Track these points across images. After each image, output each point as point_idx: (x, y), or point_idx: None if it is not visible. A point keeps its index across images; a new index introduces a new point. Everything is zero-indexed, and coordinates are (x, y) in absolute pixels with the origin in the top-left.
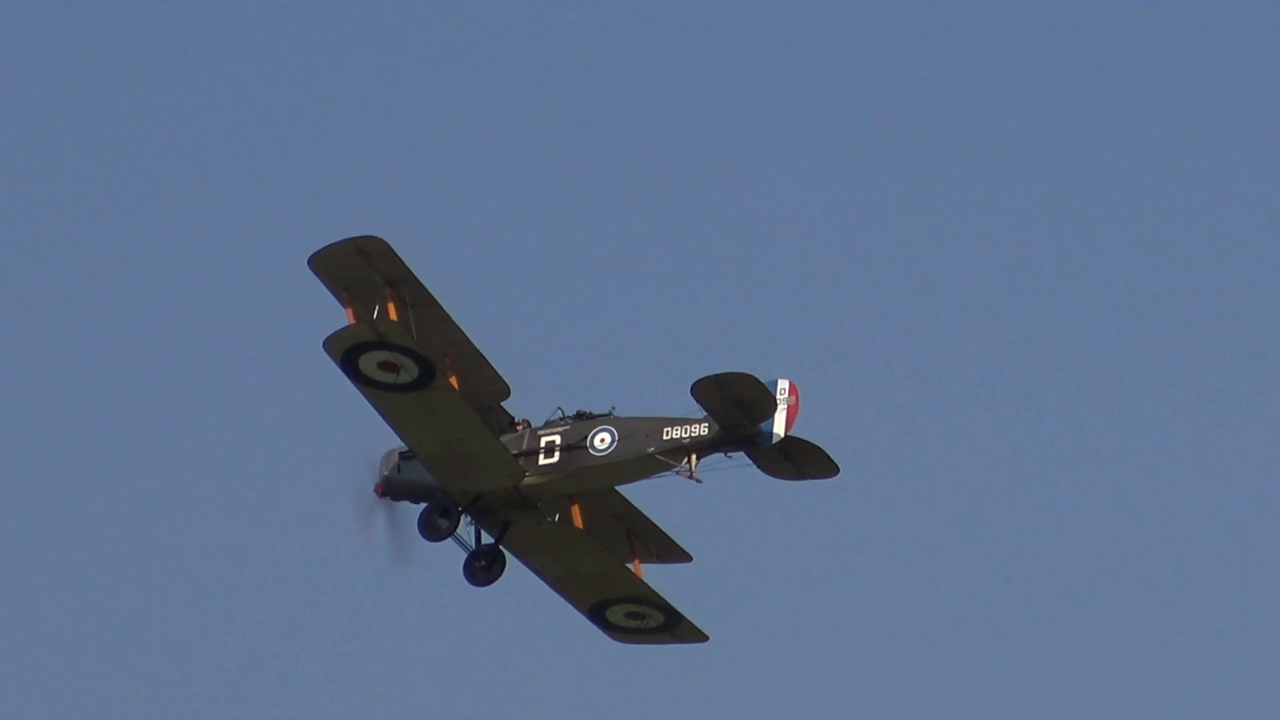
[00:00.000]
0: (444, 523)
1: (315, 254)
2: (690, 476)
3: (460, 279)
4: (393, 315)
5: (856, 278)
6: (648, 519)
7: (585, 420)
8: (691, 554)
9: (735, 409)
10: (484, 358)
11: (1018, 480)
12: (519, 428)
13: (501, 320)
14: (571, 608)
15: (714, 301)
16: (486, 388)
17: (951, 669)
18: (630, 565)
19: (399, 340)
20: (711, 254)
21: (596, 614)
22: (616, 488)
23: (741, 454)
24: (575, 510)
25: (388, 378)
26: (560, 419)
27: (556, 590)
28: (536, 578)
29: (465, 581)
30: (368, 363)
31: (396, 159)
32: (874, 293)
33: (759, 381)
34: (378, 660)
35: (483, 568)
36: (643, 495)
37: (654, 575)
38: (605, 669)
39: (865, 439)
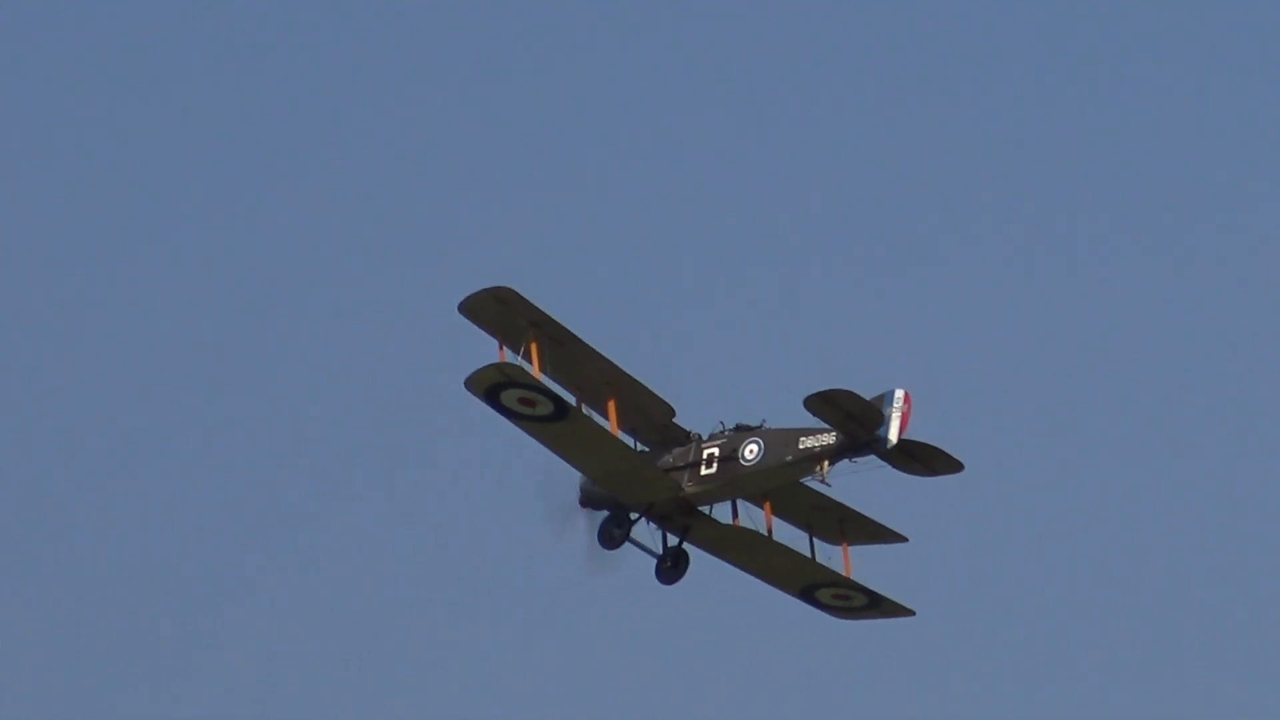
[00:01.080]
0: (617, 532)
1: (462, 302)
2: (823, 480)
3: (608, 316)
4: (534, 355)
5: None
6: (853, 510)
7: (742, 432)
8: (907, 536)
9: (848, 420)
10: (641, 384)
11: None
12: (691, 441)
13: (660, 348)
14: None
15: (847, 311)
16: (651, 409)
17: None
18: (840, 549)
19: (524, 379)
20: (827, 271)
21: (808, 595)
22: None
23: (872, 458)
24: (766, 508)
25: (528, 410)
26: (721, 432)
27: (765, 581)
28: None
29: (657, 581)
30: (509, 398)
31: (530, 207)
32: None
33: (857, 395)
34: (591, 654)
35: (668, 568)
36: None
37: (870, 555)
38: (828, 644)
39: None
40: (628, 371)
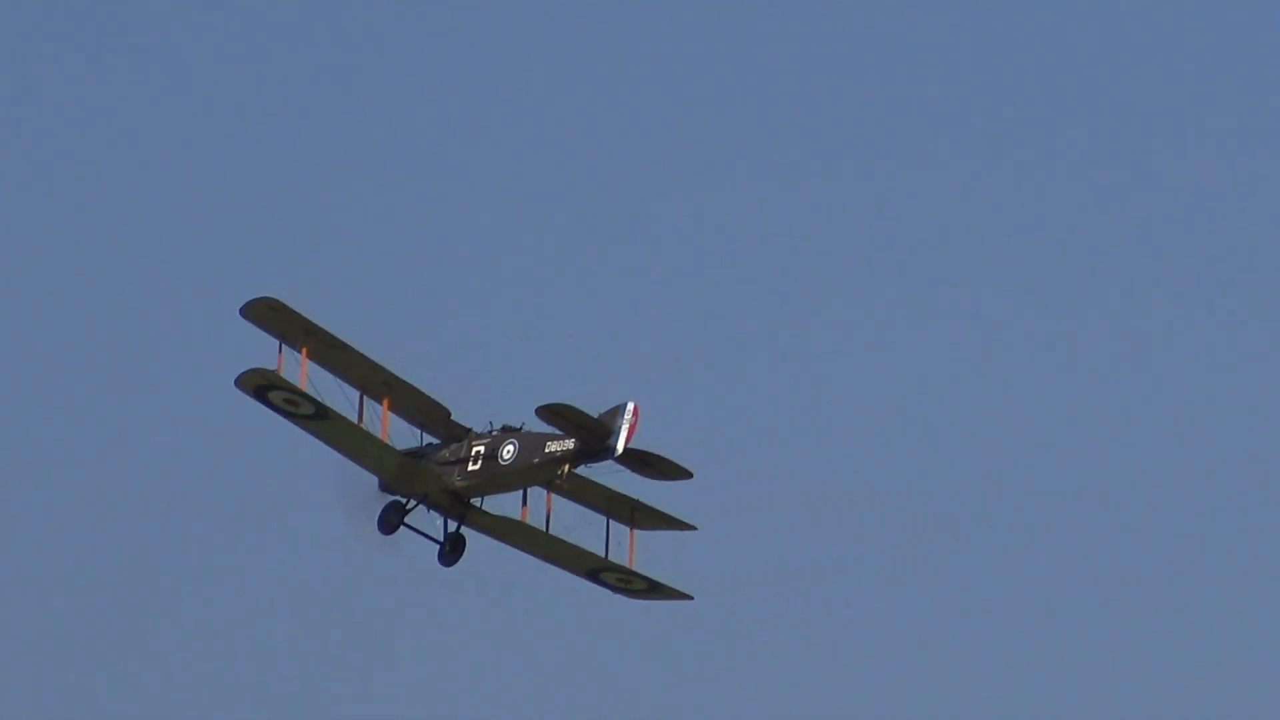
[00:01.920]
0: (394, 519)
1: (241, 308)
2: (560, 483)
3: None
4: (303, 358)
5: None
6: (644, 502)
7: (506, 433)
8: (696, 525)
9: (579, 430)
10: (413, 386)
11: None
12: (465, 438)
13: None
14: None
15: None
16: (426, 409)
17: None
18: (628, 533)
19: (281, 383)
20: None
21: (593, 577)
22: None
23: (610, 463)
24: (548, 498)
25: (293, 409)
26: (489, 431)
27: (553, 564)
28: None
29: (439, 564)
30: (276, 398)
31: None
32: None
33: (579, 409)
34: (376, 634)
35: (447, 552)
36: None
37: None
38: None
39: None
40: (398, 374)
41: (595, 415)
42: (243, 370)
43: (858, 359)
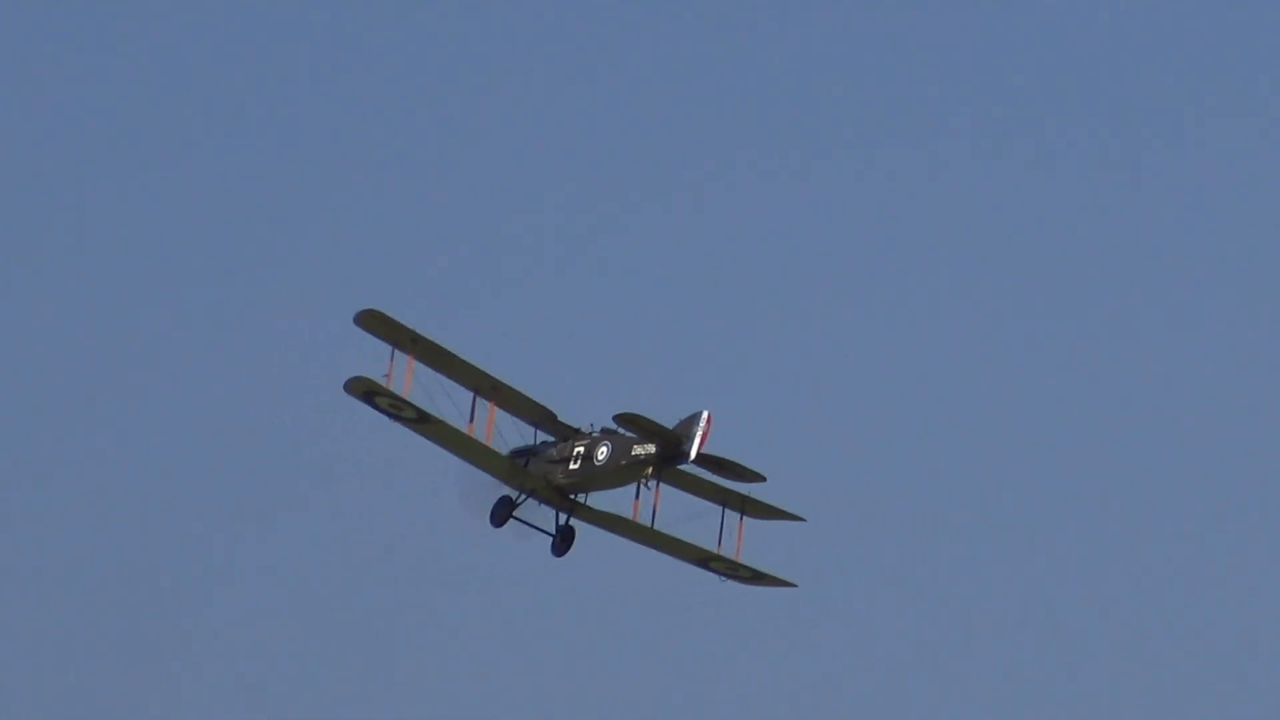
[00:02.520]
0: (502, 512)
1: (354, 317)
2: (644, 484)
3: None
4: (409, 365)
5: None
6: (756, 498)
7: (604, 435)
8: (804, 517)
9: (655, 436)
10: (517, 390)
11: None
12: (570, 438)
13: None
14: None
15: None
16: (534, 411)
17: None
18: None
19: (381, 390)
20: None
21: (702, 564)
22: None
23: (689, 466)
24: (655, 492)
25: (398, 413)
26: (589, 433)
27: (667, 554)
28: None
29: (551, 555)
30: (382, 402)
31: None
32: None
33: (651, 420)
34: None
35: (559, 542)
36: None
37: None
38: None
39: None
40: (502, 379)
41: (670, 425)
42: (349, 377)
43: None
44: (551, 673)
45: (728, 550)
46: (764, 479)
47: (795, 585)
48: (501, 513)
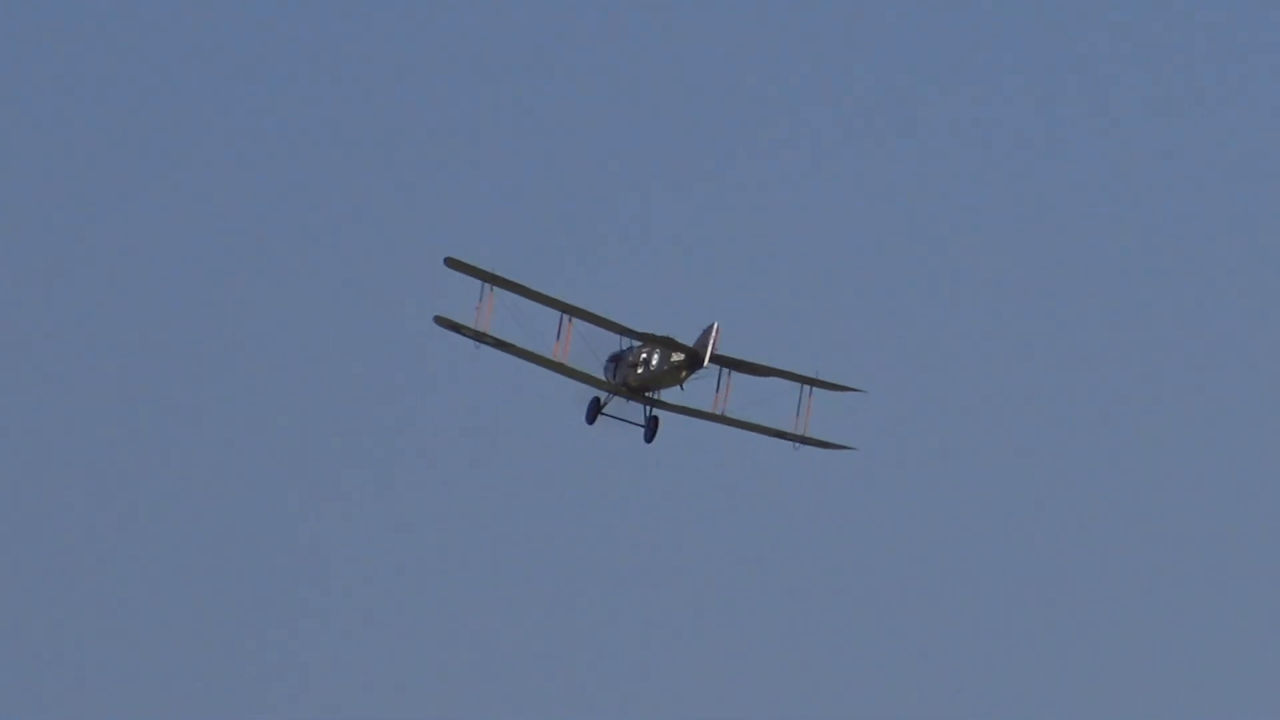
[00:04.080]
0: (592, 412)
1: (446, 259)
2: (680, 385)
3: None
4: (489, 299)
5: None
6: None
7: (657, 343)
8: (864, 389)
9: (682, 349)
10: (592, 313)
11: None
12: (638, 346)
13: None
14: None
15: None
16: (611, 327)
17: None
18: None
19: (457, 327)
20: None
21: (776, 435)
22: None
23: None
24: (728, 382)
25: (481, 340)
26: (646, 344)
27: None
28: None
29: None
30: (468, 332)
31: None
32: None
33: (670, 338)
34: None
35: (648, 431)
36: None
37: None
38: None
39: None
40: (577, 305)
41: (694, 338)
42: (436, 314)
43: None
44: (648, 535)
45: (792, 425)
46: (775, 373)
47: (855, 449)
48: (592, 411)
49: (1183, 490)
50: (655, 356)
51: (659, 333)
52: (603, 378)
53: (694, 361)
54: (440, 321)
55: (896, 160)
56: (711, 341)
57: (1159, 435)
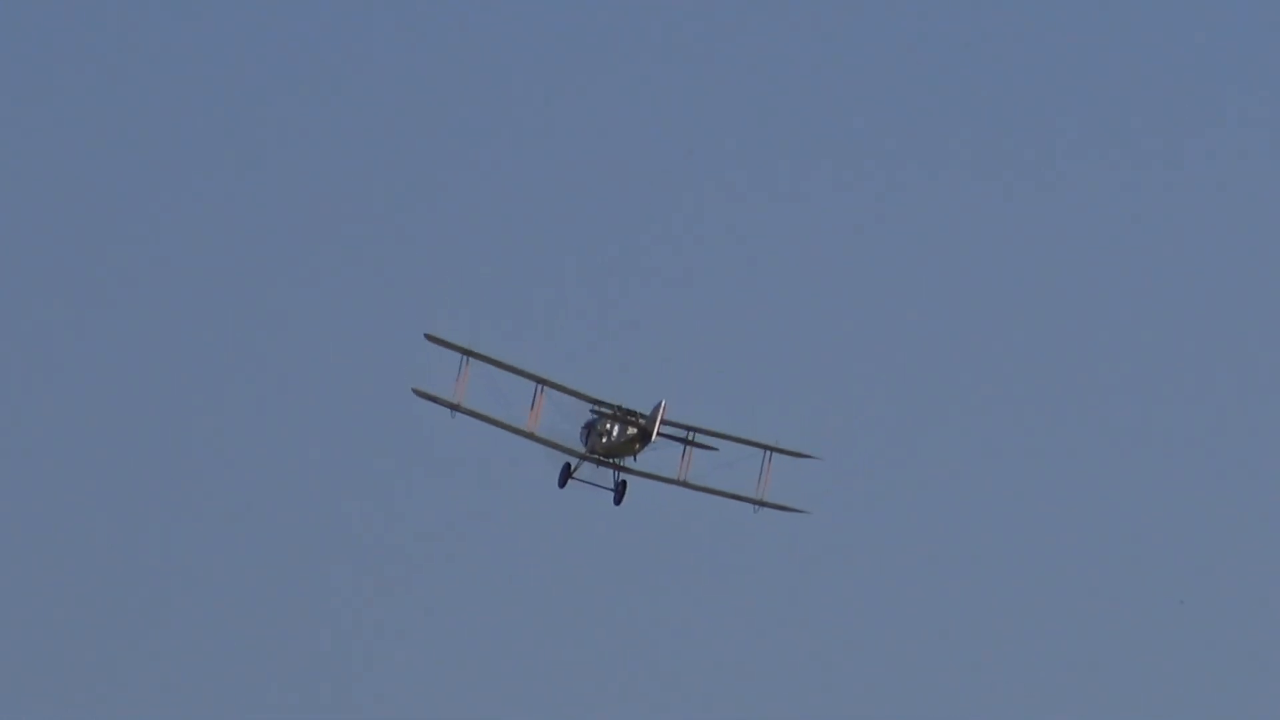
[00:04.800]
0: (564, 476)
1: (425, 334)
2: (634, 454)
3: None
4: (464, 372)
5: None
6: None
7: (620, 415)
8: (820, 456)
9: (636, 422)
10: (562, 386)
11: None
12: (605, 417)
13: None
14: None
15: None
16: (577, 402)
17: None
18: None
19: (433, 397)
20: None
21: (734, 498)
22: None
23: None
24: (689, 452)
25: (457, 411)
26: (613, 413)
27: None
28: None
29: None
30: (445, 403)
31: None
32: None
33: (625, 409)
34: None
35: (616, 494)
36: None
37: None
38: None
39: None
40: (548, 378)
41: (645, 413)
42: (413, 386)
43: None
44: (615, 584)
45: (753, 490)
46: (716, 450)
47: (808, 512)
48: (563, 475)
49: (1135, 571)
50: (615, 428)
51: (623, 405)
52: (576, 445)
53: (644, 435)
54: (418, 393)
55: (861, 240)
56: (659, 417)
57: (1111, 512)
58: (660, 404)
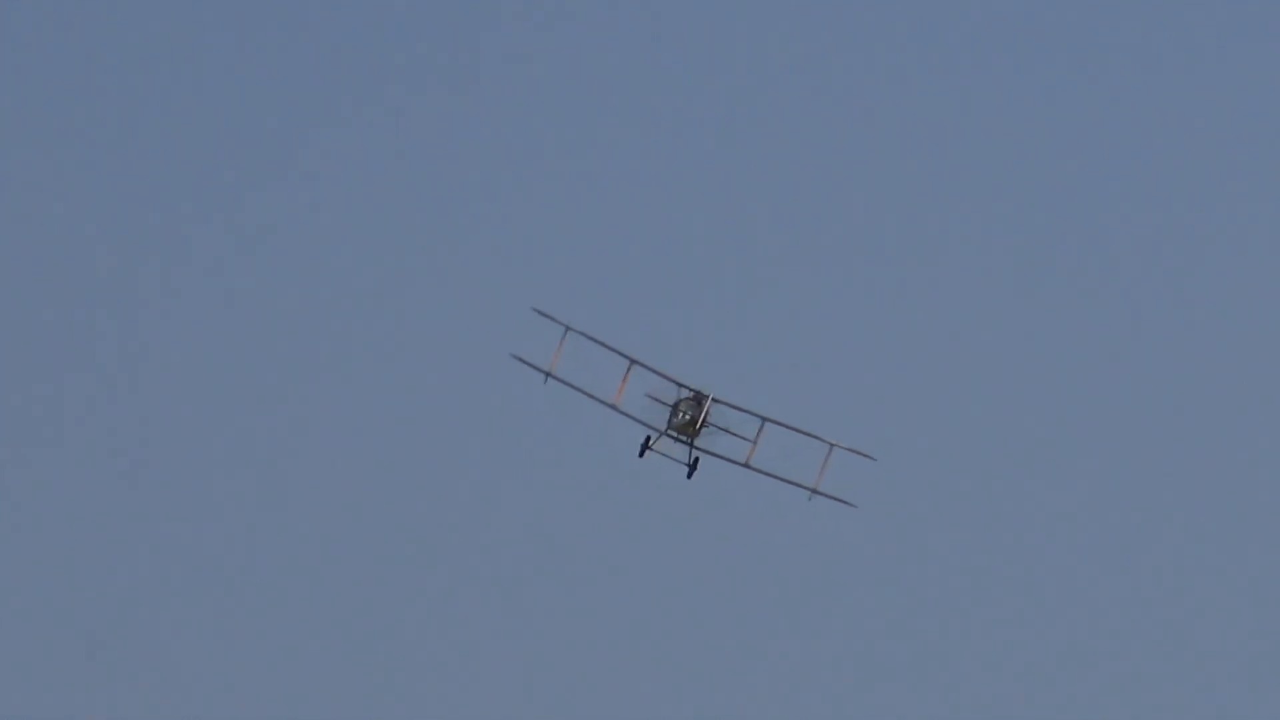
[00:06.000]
0: (642, 448)
1: (532, 307)
2: (693, 435)
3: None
4: (559, 345)
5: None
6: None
7: (694, 398)
8: (875, 456)
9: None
10: (646, 366)
11: None
12: (681, 397)
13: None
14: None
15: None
16: (659, 380)
17: None
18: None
19: (534, 366)
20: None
21: (793, 484)
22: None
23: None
24: (758, 433)
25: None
26: (687, 397)
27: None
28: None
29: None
30: (544, 369)
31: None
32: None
33: (703, 399)
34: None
35: (689, 469)
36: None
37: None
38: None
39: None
40: (638, 358)
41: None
42: (512, 353)
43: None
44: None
45: (808, 479)
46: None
47: (855, 506)
48: (642, 447)
49: (1192, 565)
50: (682, 411)
51: (706, 390)
52: (660, 422)
53: (692, 423)
54: (517, 358)
55: (940, 253)
56: (705, 412)
57: (1155, 511)
58: (708, 398)
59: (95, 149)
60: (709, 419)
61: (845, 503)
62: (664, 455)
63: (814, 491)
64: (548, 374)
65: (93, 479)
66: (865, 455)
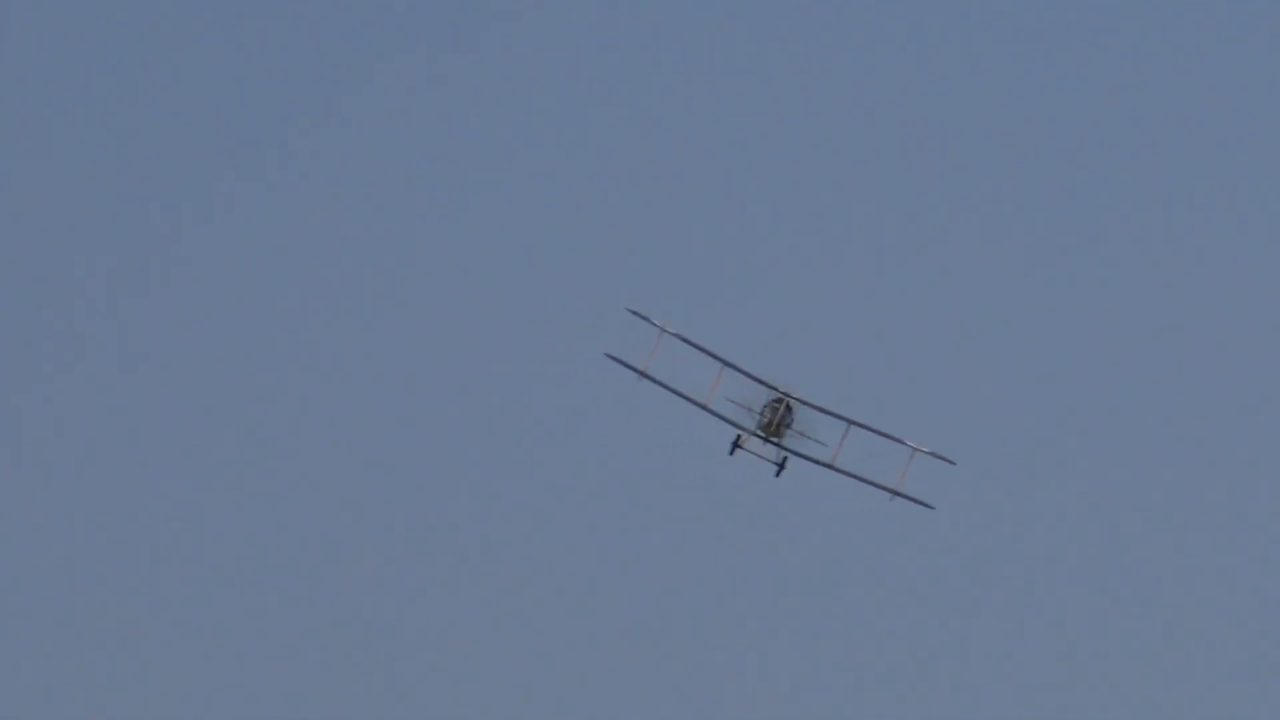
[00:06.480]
0: (732, 447)
1: (627, 308)
2: (774, 437)
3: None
4: (654, 346)
5: None
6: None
7: (780, 400)
8: (954, 460)
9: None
10: (738, 367)
11: None
12: (768, 399)
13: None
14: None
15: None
16: (750, 384)
17: None
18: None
19: (627, 364)
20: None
21: (874, 485)
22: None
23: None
24: (844, 433)
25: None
26: (775, 399)
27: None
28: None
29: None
30: (634, 369)
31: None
32: None
33: (788, 402)
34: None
35: (777, 467)
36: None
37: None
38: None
39: None
40: (731, 362)
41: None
42: (606, 351)
43: None
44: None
45: (890, 480)
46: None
47: (933, 508)
48: (732, 446)
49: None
50: (766, 413)
51: (790, 392)
52: (745, 421)
53: (766, 425)
54: (610, 357)
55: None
56: (780, 415)
57: (1242, 514)
58: (783, 404)
59: (96, 149)
60: (794, 421)
61: (924, 504)
62: (753, 454)
63: (895, 493)
64: (641, 372)
65: (93, 479)
66: (945, 459)
